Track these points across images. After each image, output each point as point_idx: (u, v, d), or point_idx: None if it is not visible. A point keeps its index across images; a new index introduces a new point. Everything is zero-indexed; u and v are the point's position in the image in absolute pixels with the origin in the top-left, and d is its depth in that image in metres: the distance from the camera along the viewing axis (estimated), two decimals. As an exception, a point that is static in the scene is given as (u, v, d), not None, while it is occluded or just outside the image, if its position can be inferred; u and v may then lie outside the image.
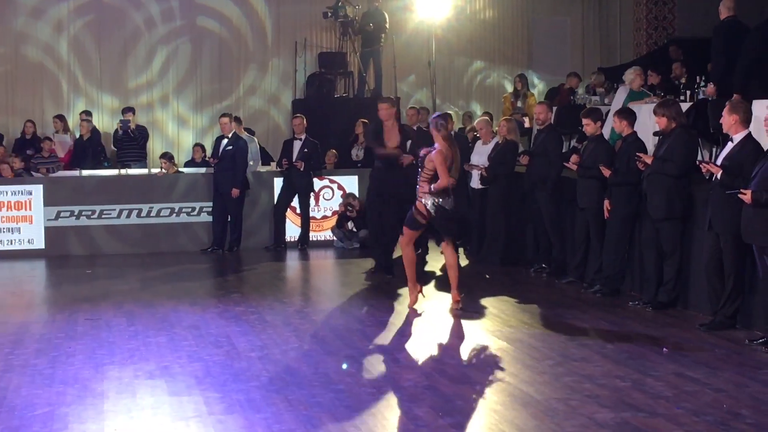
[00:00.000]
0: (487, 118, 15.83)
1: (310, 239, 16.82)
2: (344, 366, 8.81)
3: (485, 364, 8.83)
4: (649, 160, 10.91)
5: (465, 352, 9.40)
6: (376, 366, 8.79)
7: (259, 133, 19.81)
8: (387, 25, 20.81)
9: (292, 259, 15.99)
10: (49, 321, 11.11)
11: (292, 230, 16.86)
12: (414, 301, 11.59)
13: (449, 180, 11.17)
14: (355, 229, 16.35)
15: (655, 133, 13.03)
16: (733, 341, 9.47)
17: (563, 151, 13.97)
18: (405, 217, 11.73)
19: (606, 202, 11.77)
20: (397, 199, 13.05)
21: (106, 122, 20.59)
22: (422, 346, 9.69)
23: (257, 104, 21.63)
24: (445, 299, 12.05)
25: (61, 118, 19.55)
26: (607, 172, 11.63)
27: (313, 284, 14.32)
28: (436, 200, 11.22)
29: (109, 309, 11.61)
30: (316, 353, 9.30)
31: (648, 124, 13.81)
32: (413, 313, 11.26)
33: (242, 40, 21.54)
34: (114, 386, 8.17)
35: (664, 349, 9.18)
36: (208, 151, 17.95)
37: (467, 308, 11.44)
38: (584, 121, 12.35)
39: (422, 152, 11.42)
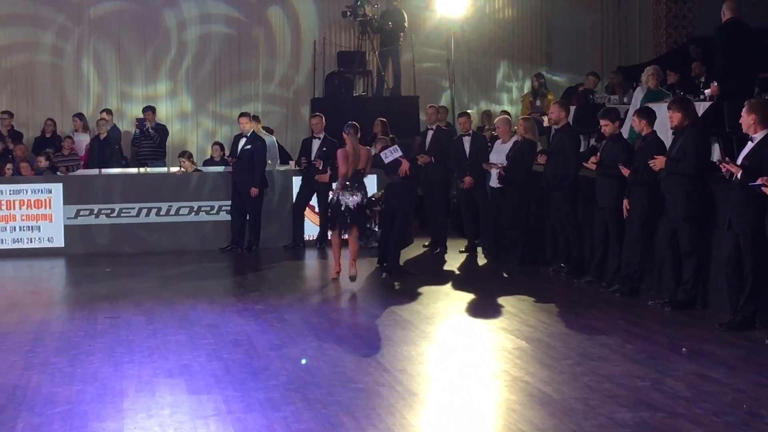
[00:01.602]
0: (506, 116, 15.82)
1: (329, 238, 16.81)
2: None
3: (504, 363, 8.81)
4: (661, 162, 10.89)
5: (484, 351, 9.39)
6: (394, 365, 8.79)
7: (277, 132, 19.82)
8: (406, 24, 20.82)
9: (311, 258, 16.00)
10: (68, 319, 11.16)
11: (311, 229, 16.87)
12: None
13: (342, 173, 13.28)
14: (376, 228, 16.31)
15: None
16: (752, 341, 9.44)
17: (581, 150, 13.95)
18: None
19: (625, 202, 11.74)
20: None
21: (126, 121, 20.65)
22: (440, 345, 9.71)
23: (276, 103, 21.65)
24: (464, 299, 12.07)
25: (80, 116, 19.63)
26: (626, 172, 11.60)
27: (331, 283, 14.29)
28: (335, 195, 13.47)
29: (128, 307, 11.65)
30: (335, 352, 9.31)
31: (667, 123, 13.78)
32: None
33: (261, 38, 21.56)
34: (133, 384, 8.20)
35: (684, 349, 9.16)
36: (227, 150, 17.96)
37: (486, 307, 11.47)
38: (602, 122, 12.32)
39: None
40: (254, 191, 16.08)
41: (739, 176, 9.67)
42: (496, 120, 15.62)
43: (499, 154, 14.64)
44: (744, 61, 12.66)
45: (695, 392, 7.73)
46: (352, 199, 13.28)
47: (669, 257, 11.12)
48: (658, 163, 10.88)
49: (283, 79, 21.71)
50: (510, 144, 14.56)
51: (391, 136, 14.93)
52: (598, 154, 12.53)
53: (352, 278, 13.09)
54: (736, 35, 12.67)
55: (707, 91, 13.65)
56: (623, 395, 7.67)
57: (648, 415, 7.14)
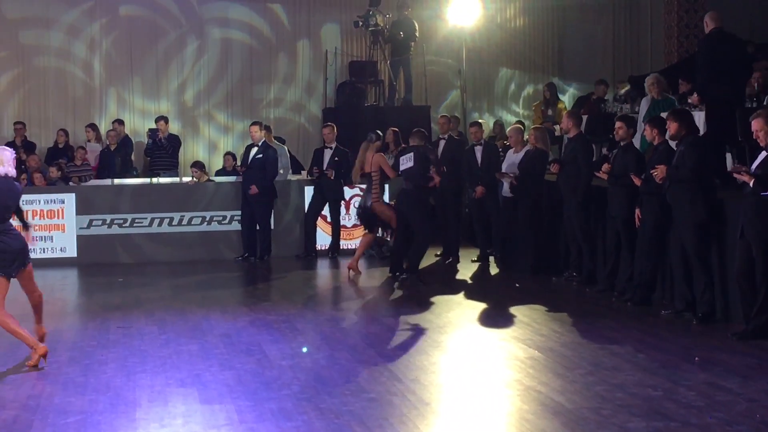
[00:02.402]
0: (519, 126, 15.80)
1: (341, 247, 16.84)
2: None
3: (516, 372, 8.81)
4: (662, 172, 10.88)
5: (496, 360, 9.38)
6: (406, 374, 8.78)
7: (289, 142, 19.84)
8: (417, 34, 20.83)
9: (323, 268, 16.03)
10: (81, 329, 11.19)
11: (323, 239, 16.89)
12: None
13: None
14: (388, 238, 16.30)
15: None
16: (765, 350, 9.40)
17: (593, 159, 13.95)
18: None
19: (637, 211, 11.73)
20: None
21: (139, 132, 20.69)
22: (453, 354, 9.71)
23: (287, 113, 21.70)
24: (476, 308, 12.08)
25: (93, 127, 19.68)
26: (637, 181, 11.59)
27: (343, 292, 14.32)
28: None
29: (140, 317, 11.68)
30: (347, 361, 9.31)
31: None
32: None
33: (273, 49, 21.61)
34: (146, 394, 8.21)
35: (696, 359, 9.14)
36: (239, 160, 18.00)
37: (498, 317, 11.47)
38: (618, 123, 12.33)
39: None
40: (254, 189, 16.04)
41: (751, 185, 9.66)
42: (508, 129, 15.62)
43: (511, 164, 14.65)
44: (730, 70, 12.82)
45: (708, 402, 7.71)
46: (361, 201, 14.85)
47: (680, 267, 11.09)
48: (659, 172, 10.88)
49: (295, 89, 21.73)
50: (522, 153, 14.58)
51: (403, 146, 14.93)
52: (610, 163, 12.53)
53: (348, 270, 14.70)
54: (721, 45, 12.85)
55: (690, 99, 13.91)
56: (636, 405, 7.65)
57: (661, 425, 7.12)
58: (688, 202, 10.71)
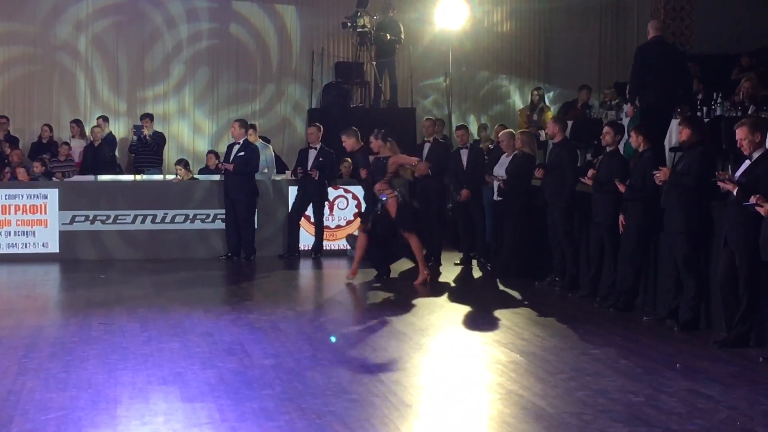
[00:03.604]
0: (510, 130, 15.79)
1: (324, 248, 16.83)
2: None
3: (498, 376, 8.80)
4: (665, 175, 10.89)
5: (477, 363, 9.37)
6: (388, 376, 8.78)
7: (275, 142, 19.85)
8: (402, 36, 20.82)
9: (306, 268, 16.02)
10: (62, 325, 11.15)
11: (306, 239, 16.88)
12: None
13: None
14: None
15: (672, 149, 13.10)
16: (747, 359, 9.43)
17: (578, 165, 13.98)
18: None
19: (621, 217, 11.75)
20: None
21: (123, 128, 20.66)
22: (435, 357, 9.70)
23: (274, 113, 21.71)
24: (459, 311, 12.08)
25: (77, 123, 19.65)
26: (622, 187, 11.61)
27: (326, 293, 14.33)
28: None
29: (122, 314, 11.64)
30: (329, 362, 9.29)
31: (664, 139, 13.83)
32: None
33: (260, 49, 21.63)
34: (127, 391, 8.17)
35: (677, 365, 9.16)
36: (222, 159, 17.95)
37: (481, 320, 11.48)
38: (605, 129, 12.37)
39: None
40: (229, 165, 16.02)
41: (735, 193, 9.69)
42: (500, 133, 15.65)
43: (501, 167, 14.66)
44: (660, 78, 13.18)
45: (689, 409, 7.72)
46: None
47: (666, 273, 11.12)
48: (662, 175, 10.87)
49: (280, 89, 21.73)
50: (510, 157, 14.61)
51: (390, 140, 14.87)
52: (595, 169, 12.55)
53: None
54: (654, 53, 13.32)
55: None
56: (617, 410, 7.66)
57: (642, 431, 7.13)
58: (682, 210, 10.72)
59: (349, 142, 14.56)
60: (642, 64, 13.31)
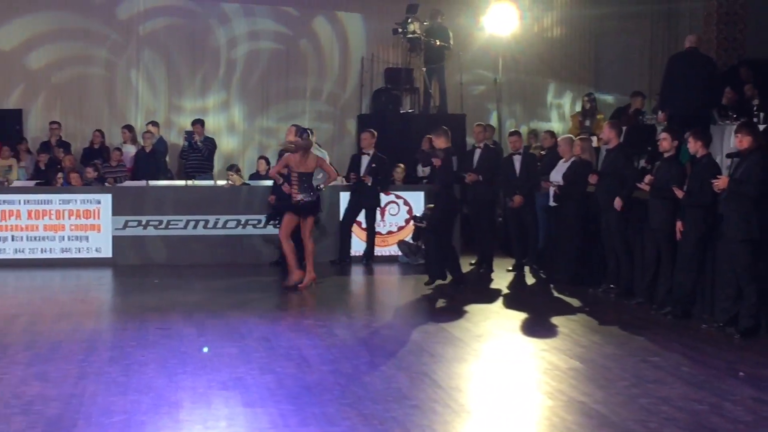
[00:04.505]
0: (569, 136, 15.66)
1: (375, 254, 16.81)
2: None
3: (558, 383, 8.74)
4: (723, 183, 10.79)
5: (536, 370, 9.31)
6: (447, 382, 8.74)
7: (323, 148, 19.81)
8: (451, 42, 20.77)
9: (357, 274, 16.00)
10: (120, 329, 11.18)
11: (358, 245, 16.86)
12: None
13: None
14: (422, 245, 16.24)
15: (729, 155, 12.97)
16: (810, 367, 9.34)
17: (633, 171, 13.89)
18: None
19: (678, 224, 11.64)
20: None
21: (175, 134, 20.76)
22: (492, 363, 9.64)
23: (323, 119, 21.69)
24: (514, 318, 12.03)
25: (129, 128, 19.72)
26: (680, 193, 11.51)
27: (379, 298, 14.32)
28: None
29: (178, 319, 11.67)
30: (387, 368, 9.27)
31: (718, 145, 13.74)
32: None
33: (310, 55, 21.64)
34: (188, 396, 8.19)
35: (741, 373, 9.06)
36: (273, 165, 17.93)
37: (537, 326, 11.42)
38: (663, 135, 12.26)
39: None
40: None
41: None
42: (559, 138, 15.58)
43: (558, 173, 14.57)
44: (687, 86, 13.75)
45: (755, 417, 7.62)
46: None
47: (725, 281, 10.99)
48: (720, 183, 10.78)
49: (331, 95, 21.76)
50: (569, 164, 14.50)
51: (445, 128, 14.76)
52: (652, 175, 12.44)
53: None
54: (682, 62, 13.97)
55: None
56: (682, 418, 7.58)
57: (709, 439, 7.07)
58: (742, 217, 10.61)
59: (438, 141, 14.37)
60: (669, 72, 13.70)
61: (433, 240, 14.13)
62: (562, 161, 14.77)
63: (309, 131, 14.56)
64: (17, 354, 9.70)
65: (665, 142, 12.17)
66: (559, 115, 22.65)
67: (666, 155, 12.25)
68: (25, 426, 7.25)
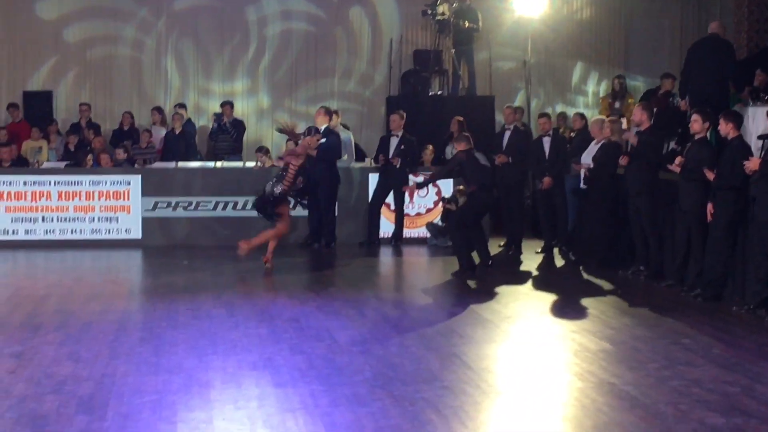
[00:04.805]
0: (601, 117, 15.59)
1: (404, 236, 16.80)
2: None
3: (588, 364, 8.71)
4: (755, 164, 10.72)
5: (566, 351, 9.30)
6: (478, 363, 8.73)
7: (352, 130, 19.80)
8: (480, 23, 20.66)
9: (386, 255, 16.01)
10: (149, 310, 11.24)
11: (386, 226, 16.85)
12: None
13: None
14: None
15: (761, 137, 12.88)
16: (842, 349, 9.29)
17: (662, 153, 13.82)
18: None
19: (709, 206, 11.58)
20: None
21: (204, 116, 20.78)
22: (522, 344, 9.64)
23: (352, 101, 21.65)
24: (543, 299, 12.01)
25: (159, 110, 19.78)
26: (711, 175, 11.45)
27: (408, 280, 14.33)
28: None
29: (207, 300, 11.70)
30: (417, 349, 9.26)
31: (749, 127, 13.65)
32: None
33: (338, 36, 21.58)
34: (219, 376, 8.21)
35: (772, 356, 9.03)
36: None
37: (566, 308, 11.40)
38: (694, 116, 12.16)
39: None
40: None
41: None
42: (590, 121, 15.53)
43: (588, 155, 14.51)
44: (705, 70, 13.83)
45: (788, 400, 7.60)
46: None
47: (757, 263, 10.93)
48: (752, 164, 10.72)
49: (360, 77, 21.70)
50: (599, 146, 14.42)
51: (466, 134, 14.80)
52: (682, 156, 12.38)
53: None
54: (701, 47, 14.11)
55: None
56: (714, 400, 7.55)
57: (741, 422, 7.02)
58: (773, 200, 10.56)
59: (459, 146, 14.26)
60: (688, 60, 13.89)
61: (460, 234, 13.94)
62: (593, 143, 14.71)
63: (335, 112, 14.60)
64: (48, 334, 9.76)
65: (696, 124, 12.09)
66: (588, 97, 22.51)
67: (697, 137, 12.17)
68: (57, 405, 7.30)
